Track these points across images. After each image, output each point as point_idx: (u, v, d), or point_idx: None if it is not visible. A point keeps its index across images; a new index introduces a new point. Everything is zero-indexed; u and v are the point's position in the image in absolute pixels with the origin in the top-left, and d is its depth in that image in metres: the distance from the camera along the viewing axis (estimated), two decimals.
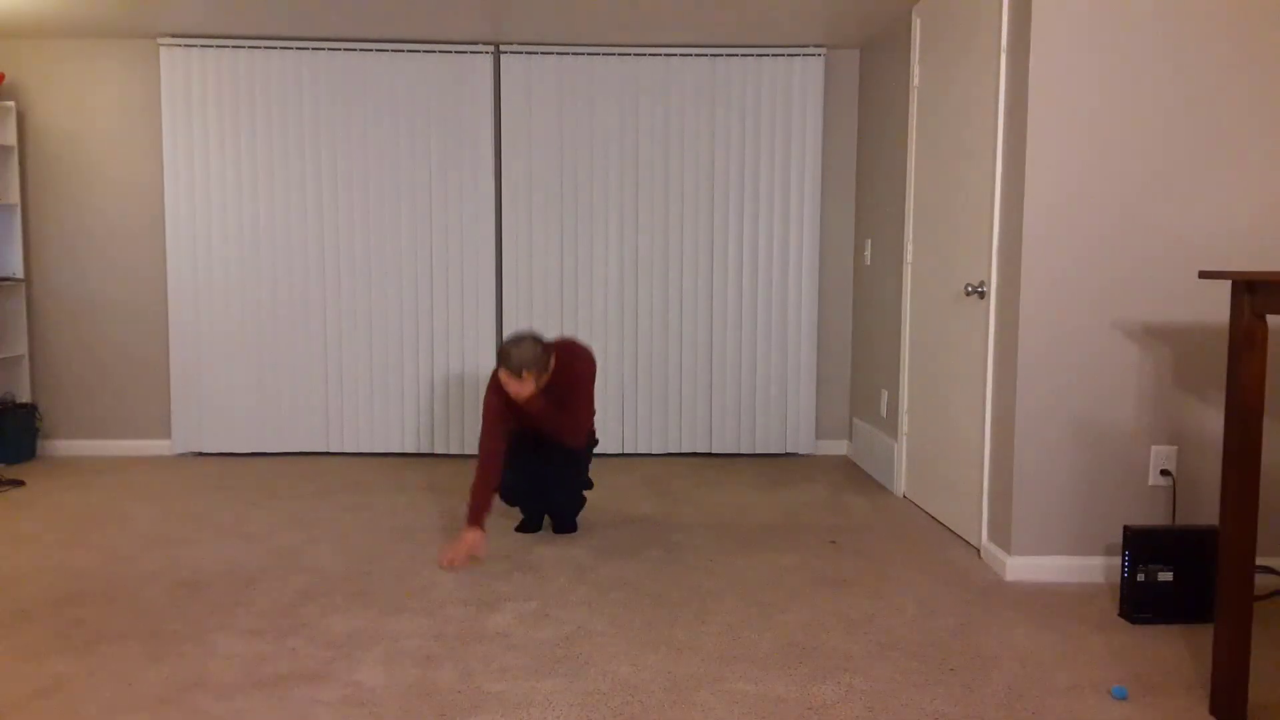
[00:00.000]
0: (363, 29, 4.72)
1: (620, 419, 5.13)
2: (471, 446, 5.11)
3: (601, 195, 5.02)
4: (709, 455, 5.18)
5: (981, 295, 3.44)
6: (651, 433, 5.13)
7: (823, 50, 4.96)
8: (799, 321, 5.11)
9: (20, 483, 4.46)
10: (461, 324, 5.06)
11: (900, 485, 4.31)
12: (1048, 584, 3.15)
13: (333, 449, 5.09)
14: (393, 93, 4.94)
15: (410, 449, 5.11)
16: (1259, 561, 3.15)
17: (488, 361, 5.08)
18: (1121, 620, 2.85)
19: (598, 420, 5.08)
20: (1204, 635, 2.76)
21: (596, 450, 5.15)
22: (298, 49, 4.90)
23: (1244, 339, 2.14)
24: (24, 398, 4.99)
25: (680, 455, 5.17)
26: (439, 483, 4.52)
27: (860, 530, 3.78)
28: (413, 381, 5.08)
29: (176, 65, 4.90)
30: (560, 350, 3.51)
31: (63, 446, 5.11)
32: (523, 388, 3.34)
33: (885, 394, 4.58)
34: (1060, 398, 3.15)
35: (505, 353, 3.33)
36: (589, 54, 4.94)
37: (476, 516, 3.34)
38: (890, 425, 4.48)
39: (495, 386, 3.46)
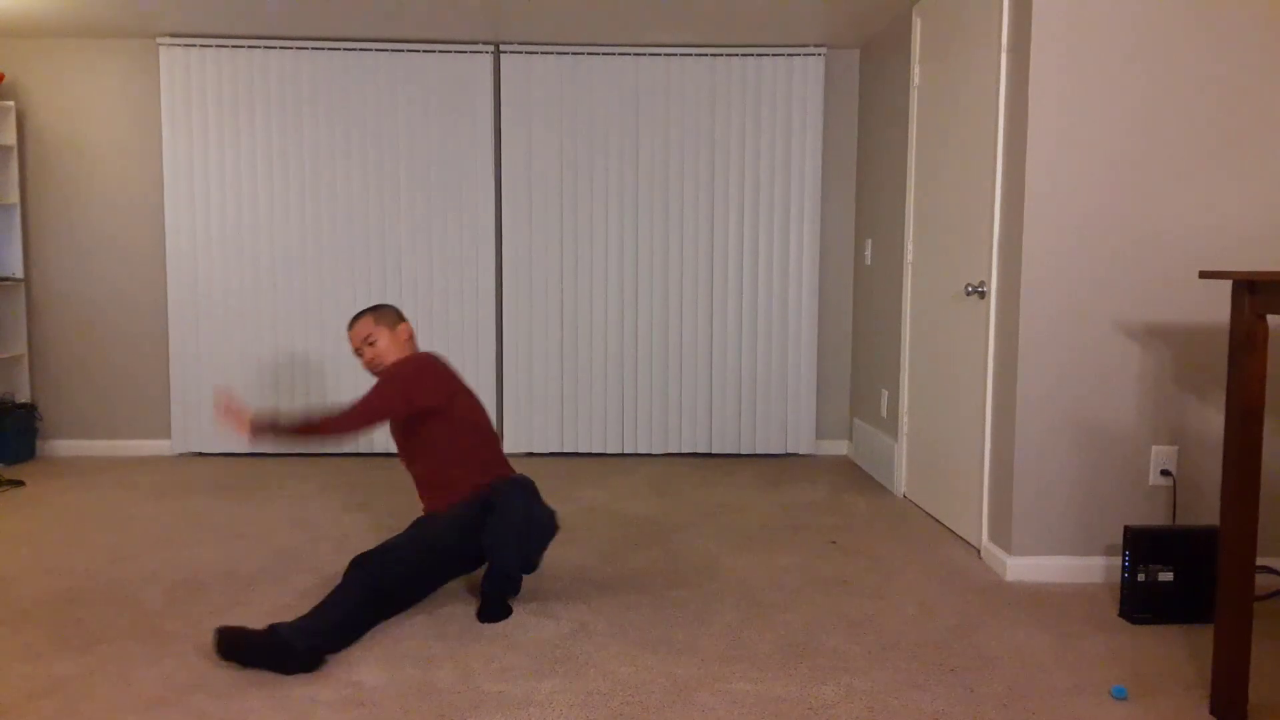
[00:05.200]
0: (362, 29, 4.72)
1: (620, 419, 5.12)
2: None
3: (601, 195, 5.02)
4: (709, 455, 5.17)
5: (981, 295, 3.44)
6: (652, 433, 5.13)
7: (823, 50, 4.96)
8: (799, 321, 5.10)
9: (20, 483, 4.45)
10: (461, 323, 5.06)
11: (900, 485, 4.31)
12: (1048, 584, 3.15)
13: (333, 449, 5.09)
14: (392, 93, 4.94)
15: None
16: (1259, 561, 3.15)
17: (488, 361, 5.08)
18: (1122, 620, 2.85)
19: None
20: (1204, 635, 2.76)
21: (598, 450, 5.15)
22: (297, 49, 4.90)
23: (1244, 339, 2.14)
24: (24, 398, 4.99)
25: (680, 456, 5.17)
26: None
27: (860, 530, 3.78)
28: None
29: (176, 65, 4.90)
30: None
31: (63, 446, 5.10)
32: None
33: (885, 394, 4.58)
34: (1061, 397, 3.15)
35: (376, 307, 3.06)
36: (589, 54, 4.94)
37: (280, 425, 2.74)
38: (890, 425, 4.48)
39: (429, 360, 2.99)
